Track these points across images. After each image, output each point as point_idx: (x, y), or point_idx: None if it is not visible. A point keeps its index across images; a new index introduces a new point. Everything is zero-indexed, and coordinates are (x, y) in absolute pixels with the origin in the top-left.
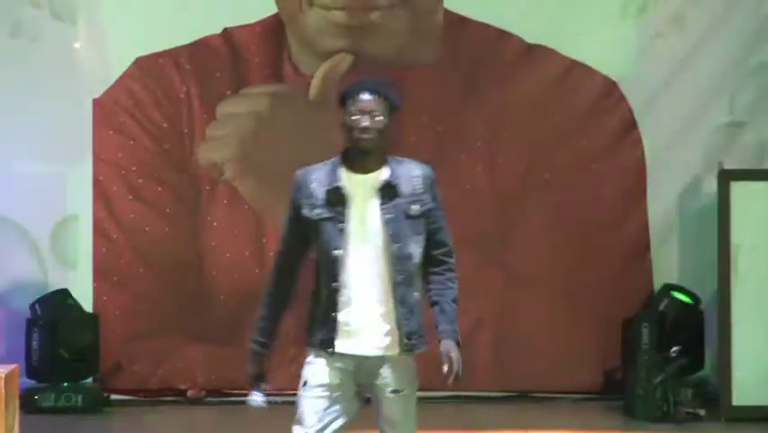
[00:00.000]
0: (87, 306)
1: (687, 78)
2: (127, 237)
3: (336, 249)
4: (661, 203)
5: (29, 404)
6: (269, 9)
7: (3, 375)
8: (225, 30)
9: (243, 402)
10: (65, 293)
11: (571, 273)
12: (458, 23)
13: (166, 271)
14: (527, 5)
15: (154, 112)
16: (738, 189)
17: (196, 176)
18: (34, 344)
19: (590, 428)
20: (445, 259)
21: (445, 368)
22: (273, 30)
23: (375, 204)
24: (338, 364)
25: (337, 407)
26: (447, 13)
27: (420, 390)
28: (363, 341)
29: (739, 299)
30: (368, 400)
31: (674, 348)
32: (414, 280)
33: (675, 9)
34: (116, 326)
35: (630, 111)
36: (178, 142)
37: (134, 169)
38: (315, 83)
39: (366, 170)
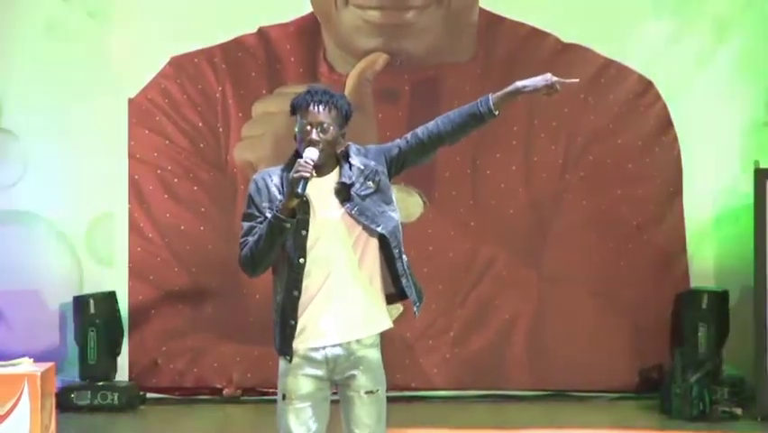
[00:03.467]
0: (123, 304)
1: (722, 77)
2: (162, 236)
3: (300, 257)
4: (697, 202)
5: (65, 402)
6: (305, 8)
7: (39, 373)
8: (260, 29)
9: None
10: (102, 292)
11: (607, 272)
12: (493, 21)
13: (201, 269)
14: (563, 5)
15: (189, 111)
16: None
17: (232, 175)
18: (70, 342)
19: (626, 427)
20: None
21: (548, 79)
22: (308, 29)
23: (335, 205)
24: (311, 371)
25: (318, 413)
26: (482, 11)
27: (454, 389)
28: (329, 334)
29: None
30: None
31: None
32: (401, 245)
33: (710, 8)
34: (152, 324)
35: (666, 110)
36: (213, 142)
37: (170, 168)
38: (351, 82)
39: (320, 174)
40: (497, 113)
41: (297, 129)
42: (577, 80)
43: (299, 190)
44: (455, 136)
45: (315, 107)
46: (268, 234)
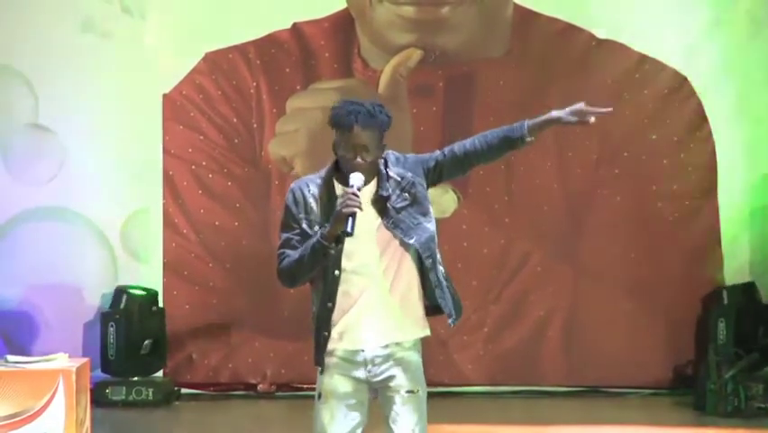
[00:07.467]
0: (158, 300)
1: (757, 71)
2: (197, 232)
3: (335, 269)
4: (731, 198)
5: (100, 397)
6: (339, 4)
7: (74, 369)
8: (295, 25)
9: (314, 397)
10: (135, 287)
11: (642, 268)
12: (527, 17)
13: (235, 265)
14: (597, 0)
15: (224, 107)
16: None
17: (266, 171)
18: (109, 338)
19: (660, 423)
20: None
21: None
22: (343, 25)
23: (373, 215)
24: (349, 372)
25: (355, 414)
26: (516, 7)
27: (487, 385)
28: (368, 340)
29: None
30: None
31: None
32: (437, 255)
33: (744, 3)
34: (187, 320)
35: (700, 105)
36: (247, 137)
37: (204, 163)
38: (385, 78)
39: None
40: (529, 139)
41: (339, 146)
42: (610, 110)
43: (348, 230)
44: (490, 157)
45: (359, 129)
46: (310, 255)
